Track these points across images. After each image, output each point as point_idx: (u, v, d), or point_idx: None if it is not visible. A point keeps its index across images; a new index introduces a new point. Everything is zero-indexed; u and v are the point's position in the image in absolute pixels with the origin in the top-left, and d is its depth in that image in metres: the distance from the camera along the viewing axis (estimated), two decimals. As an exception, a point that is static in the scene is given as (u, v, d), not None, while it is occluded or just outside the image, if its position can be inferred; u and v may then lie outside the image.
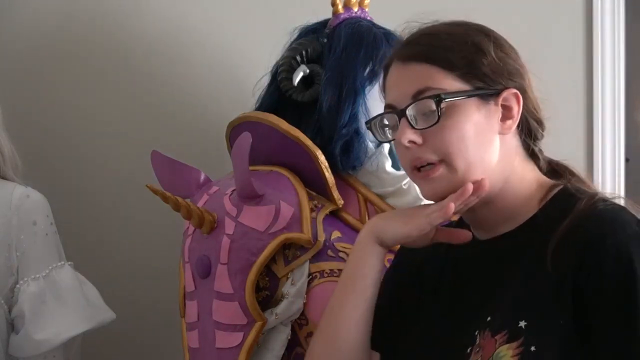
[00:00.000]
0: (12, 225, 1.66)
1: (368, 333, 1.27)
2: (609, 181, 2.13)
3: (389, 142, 1.28)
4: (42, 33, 2.04)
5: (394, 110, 1.21)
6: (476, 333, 1.16)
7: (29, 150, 1.85)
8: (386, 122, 1.25)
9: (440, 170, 1.18)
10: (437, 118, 1.16)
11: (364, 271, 1.27)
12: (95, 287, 1.75)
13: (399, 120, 1.20)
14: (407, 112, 1.18)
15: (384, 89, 1.28)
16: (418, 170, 1.20)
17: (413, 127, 1.18)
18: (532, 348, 1.09)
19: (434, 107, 1.17)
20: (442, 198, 1.20)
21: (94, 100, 2.05)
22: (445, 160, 1.18)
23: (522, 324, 1.11)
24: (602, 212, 1.14)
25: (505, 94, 1.20)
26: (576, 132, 2.15)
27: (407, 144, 1.18)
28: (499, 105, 1.20)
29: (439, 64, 1.19)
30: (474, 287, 1.22)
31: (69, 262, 1.73)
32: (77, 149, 2.05)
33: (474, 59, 1.19)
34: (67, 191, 2.02)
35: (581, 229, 1.12)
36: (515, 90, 1.20)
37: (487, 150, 1.19)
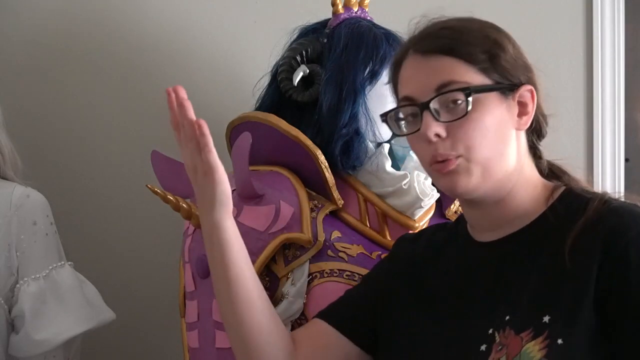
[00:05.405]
0: (12, 225, 1.65)
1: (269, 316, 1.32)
2: (609, 181, 2.13)
3: (404, 135, 1.24)
4: (43, 32, 2.04)
5: (415, 103, 1.20)
6: (490, 331, 1.15)
7: (30, 150, 1.85)
8: (401, 116, 1.23)
9: (458, 161, 1.17)
10: (465, 111, 1.16)
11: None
12: (95, 287, 1.75)
13: (421, 113, 1.18)
14: (431, 105, 1.17)
15: (395, 82, 1.26)
16: (437, 162, 1.18)
17: (437, 120, 1.17)
18: (559, 341, 1.09)
19: (461, 99, 1.16)
20: (462, 193, 1.19)
21: (94, 100, 2.05)
22: (467, 154, 1.17)
23: (546, 318, 1.11)
24: (618, 208, 1.15)
25: (521, 90, 1.20)
26: (576, 132, 2.15)
27: (433, 138, 1.17)
28: (516, 101, 1.20)
29: (462, 57, 1.18)
30: (483, 288, 1.21)
31: (69, 262, 1.73)
32: (77, 148, 2.05)
33: (495, 53, 1.19)
34: (67, 191, 2.02)
35: (600, 223, 1.13)
36: (530, 87, 1.21)
37: (507, 145, 1.19)
